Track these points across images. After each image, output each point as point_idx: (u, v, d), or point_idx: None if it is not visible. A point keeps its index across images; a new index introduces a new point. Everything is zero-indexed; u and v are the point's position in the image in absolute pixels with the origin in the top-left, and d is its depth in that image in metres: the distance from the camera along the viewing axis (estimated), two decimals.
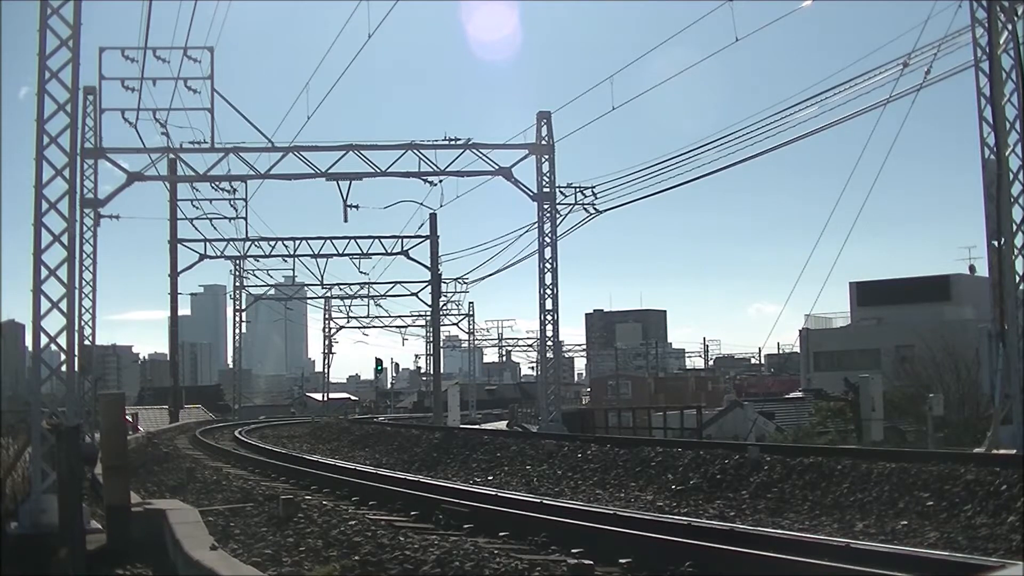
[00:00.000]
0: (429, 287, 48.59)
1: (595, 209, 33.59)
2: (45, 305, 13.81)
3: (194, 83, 28.30)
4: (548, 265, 32.00)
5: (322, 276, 52.90)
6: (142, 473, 22.37)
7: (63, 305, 13.86)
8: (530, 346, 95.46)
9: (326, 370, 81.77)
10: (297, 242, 48.13)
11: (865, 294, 60.34)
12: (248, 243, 45.74)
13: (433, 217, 44.26)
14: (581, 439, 24.71)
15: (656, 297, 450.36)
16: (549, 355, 33.46)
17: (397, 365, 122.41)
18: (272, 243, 47.94)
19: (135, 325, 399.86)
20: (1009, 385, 17.33)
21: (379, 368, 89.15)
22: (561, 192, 32.86)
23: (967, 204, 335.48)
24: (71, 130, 14.02)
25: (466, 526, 12.74)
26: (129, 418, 36.14)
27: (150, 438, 34.68)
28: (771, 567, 8.97)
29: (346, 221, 33.17)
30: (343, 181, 31.40)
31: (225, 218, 38.92)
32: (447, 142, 30.95)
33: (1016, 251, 17.74)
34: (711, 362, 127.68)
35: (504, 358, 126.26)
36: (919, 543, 11.19)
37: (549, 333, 32.51)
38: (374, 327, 73.62)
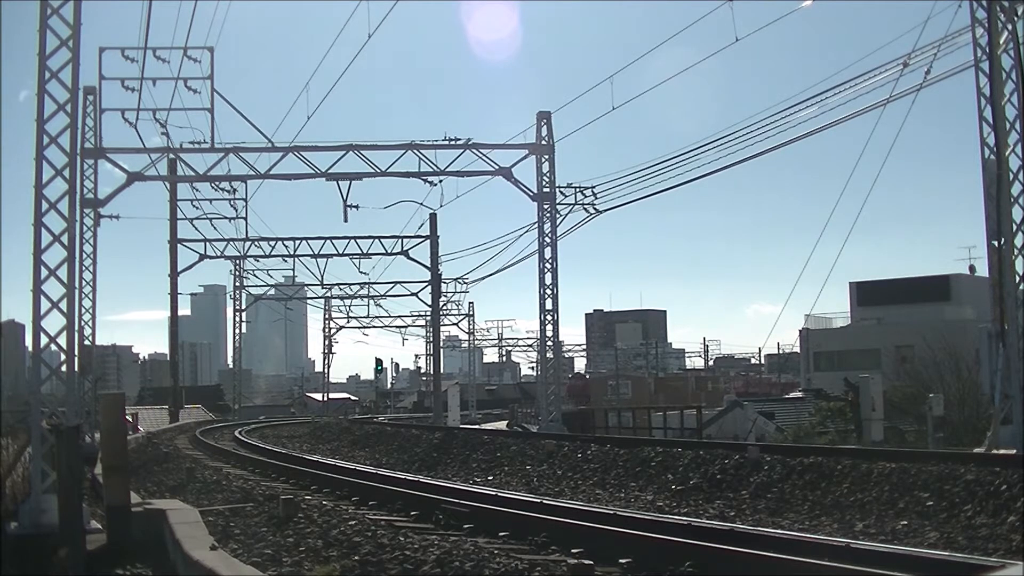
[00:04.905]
0: (429, 287, 48.61)
1: (595, 209, 33.63)
2: (45, 305, 13.82)
3: (194, 83, 28.30)
4: (548, 265, 31.98)
5: (322, 276, 52.93)
6: (142, 473, 22.36)
7: (63, 305, 13.87)
8: (530, 346, 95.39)
9: (326, 370, 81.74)
10: (297, 242, 48.14)
11: (865, 294, 60.39)
12: (248, 243, 45.76)
13: (433, 217, 44.31)
14: (581, 439, 24.70)
15: (656, 297, 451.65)
16: (549, 355, 33.45)
17: (397, 365, 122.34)
18: (272, 243, 47.95)
19: (135, 325, 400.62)
20: (1009, 385, 17.32)
21: (379, 368, 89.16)
22: (561, 192, 32.87)
23: (967, 204, 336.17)
24: (71, 130, 14.03)
25: (466, 526, 12.74)
26: (129, 418, 36.16)
27: (150, 438, 34.68)
28: (771, 567, 8.96)
29: (346, 221, 33.18)
30: (343, 181, 31.38)
31: (225, 218, 38.95)
32: (447, 142, 30.93)
33: (1016, 251, 17.72)
34: (711, 362, 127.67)
35: (504, 358, 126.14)
36: (919, 543, 11.18)
37: (549, 333, 32.49)
38: (374, 327, 73.60)
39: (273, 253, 48.54)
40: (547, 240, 31.97)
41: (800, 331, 60.10)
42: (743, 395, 64.06)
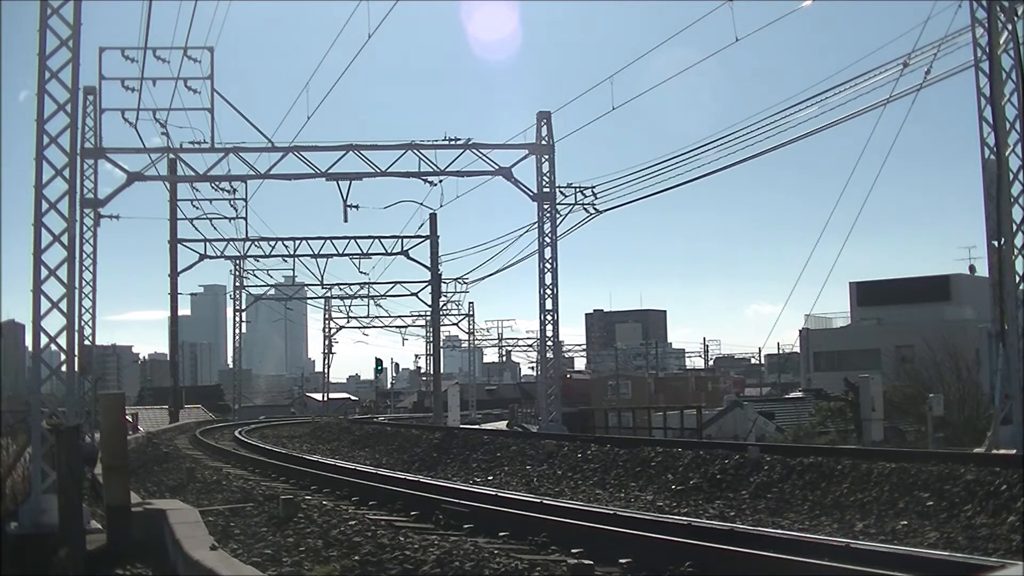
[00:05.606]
0: (429, 287, 48.64)
1: (595, 209, 33.64)
2: (45, 305, 13.82)
3: (194, 83, 28.33)
4: (548, 265, 32.00)
5: (322, 276, 52.99)
6: (142, 473, 22.37)
7: (63, 305, 13.86)
8: (530, 346, 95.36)
9: (326, 370, 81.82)
10: (297, 242, 48.19)
11: (865, 294, 60.39)
12: (248, 243, 45.81)
13: (433, 217, 44.33)
14: (581, 439, 24.70)
15: (656, 297, 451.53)
16: (549, 355, 33.46)
17: (397, 365, 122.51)
18: (272, 243, 48.00)
19: (135, 325, 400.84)
20: (1009, 385, 17.32)
21: (379, 368, 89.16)
22: (561, 192, 32.89)
23: (967, 204, 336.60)
24: (71, 130, 14.02)
25: (466, 526, 12.74)
26: (129, 418, 36.17)
27: (150, 438, 34.70)
28: (771, 567, 8.96)
29: (346, 221, 33.22)
30: (343, 181, 31.39)
31: (225, 218, 38.97)
32: (447, 142, 30.95)
33: (1016, 251, 17.73)
34: (711, 362, 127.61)
35: (504, 358, 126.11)
36: (919, 543, 11.19)
37: (549, 333, 32.51)
38: (374, 327, 73.68)
39: (273, 253, 48.66)
40: (547, 240, 31.98)
41: (800, 331, 60.15)
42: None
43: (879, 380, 30.90)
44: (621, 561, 10.00)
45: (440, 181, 31.96)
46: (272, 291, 68.48)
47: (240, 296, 69.30)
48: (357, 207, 32.97)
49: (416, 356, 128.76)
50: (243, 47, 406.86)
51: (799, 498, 14.96)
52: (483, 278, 54.71)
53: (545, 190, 31.78)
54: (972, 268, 50.51)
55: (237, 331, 73.31)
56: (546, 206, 31.93)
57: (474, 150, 31.05)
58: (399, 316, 73.23)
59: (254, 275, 61.20)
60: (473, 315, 76.50)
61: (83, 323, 29.74)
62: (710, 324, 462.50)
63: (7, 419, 20.63)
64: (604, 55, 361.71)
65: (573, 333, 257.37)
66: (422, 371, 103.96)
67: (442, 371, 52.01)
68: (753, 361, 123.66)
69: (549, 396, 33.29)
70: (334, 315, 73.67)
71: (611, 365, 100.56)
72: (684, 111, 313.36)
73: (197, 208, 39.10)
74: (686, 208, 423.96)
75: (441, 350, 53.32)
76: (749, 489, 15.93)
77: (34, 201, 13.86)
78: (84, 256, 30.16)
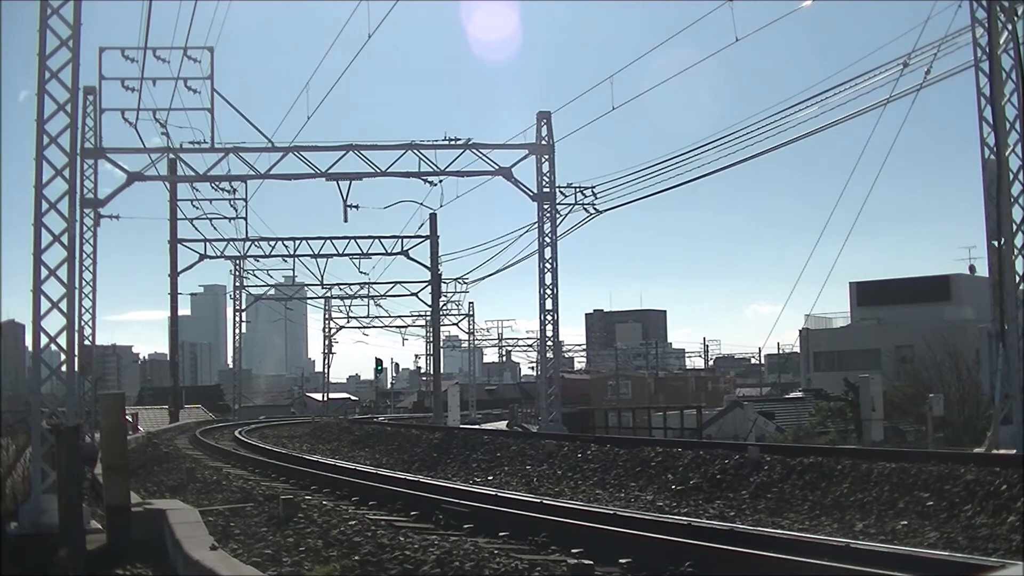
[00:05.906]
0: (429, 287, 48.65)
1: (595, 209, 33.65)
2: (45, 305, 13.83)
3: (194, 83, 28.34)
4: (548, 265, 32.01)
5: (322, 276, 52.98)
6: (142, 473, 22.37)
7: (63, 305, 13.87)
8: (530, 346, 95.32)
9: (326, 370, 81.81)
10: (297, 242, 48.20)
11: (865, 294, 60.38)
12: (248, 243, 45.82)
13: (433, 217, 44.35)
14: (581, 439, 24.70)
15: (656, 297, 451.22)
16: (549, 355, 33.46)
17: (397, 365, 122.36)
18: (272, 243, 48.01)
19: (135, 325, 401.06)
20: (1009, 385, 17.32)
21: (379, 368, 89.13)
22: (561, 192, 32.90)
23: (967, 204, 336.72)
24: (71, 130, 14.03)
25: (466, 526, 12.74)
26: (129, 418, 36.16)
27: (150, 438, 34.71)
28: (771, 567, 8.96)
29: (346, 221, 33.23)
30: (343, 181, 31.41)
31: (225, 218, 38.97)
32: (447, 142, 30.96)
33: (1016, 251, 17.74)
34: (711, 362, 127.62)
35: (504, 358, 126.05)
36: (919, 543, 11.18)
37: (549, 333, 32.51)
38: (374, 327, 73.67)
39: (273, 253, 48.67)
40: (547, 240, 31.99)
41: (800, 331, 60.15)
42: None
43: (879, 380, 30.88)
44: (621, 561, 10.00)
45: (440, 181, 32.00)
46: (272, 291, 68.52)
47: (240, 296, 69.33)
48: (357, 207, 33.02)
49: (416, 356, 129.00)
50: (243, 47, 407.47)
51: (799, 498, 14.96)
52: (483, 278, 54.79)
53: (545, 190, 31.78)
54: (972, 268, 50.55)
55: (237, 331, 73.37)
56: (546, 206, 31.94)
57: (474, 150, 31.06)
58: (399, 316, 73.33)
59: (254, 275, 61.29)
60: (473, 315, 76.53)
61: (83, 323, 29.76)
62: (710, 324, 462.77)
63: (7, 419, 20.66)
64: (604, 55, 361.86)
65: (573, 333, 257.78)
66: (422, 371, 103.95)
67: (442, 371, 52.03)
68: (753, 361, 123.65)
69: (549, 396, 33.29)
70: (334, 315, 73.73)
71: (611, 365, 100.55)
72: (684, 111, 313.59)
73: (197, 208, 39.15)
74: (686, 208, 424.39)
75: (441, 350, 53.34)
76: (749, 489, 15.93)
77: (34, 201, 13.87)
78: (84, 256, 30.19)
